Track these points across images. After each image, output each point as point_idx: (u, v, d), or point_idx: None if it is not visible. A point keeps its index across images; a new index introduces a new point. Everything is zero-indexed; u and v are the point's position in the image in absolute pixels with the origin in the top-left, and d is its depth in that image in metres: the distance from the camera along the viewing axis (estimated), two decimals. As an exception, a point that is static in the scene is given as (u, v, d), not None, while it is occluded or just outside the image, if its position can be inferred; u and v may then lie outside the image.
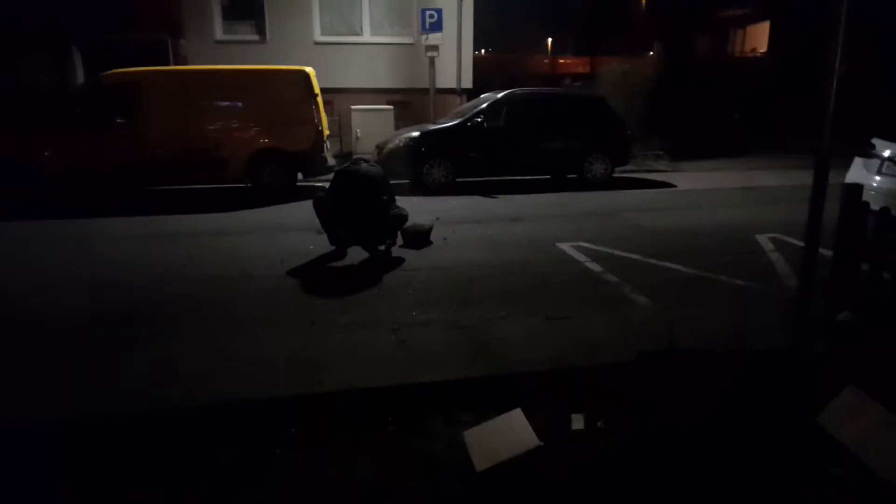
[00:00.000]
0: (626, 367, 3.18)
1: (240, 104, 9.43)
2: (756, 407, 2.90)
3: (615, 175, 11.08)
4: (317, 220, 6.33)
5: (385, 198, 6.21)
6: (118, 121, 9.24)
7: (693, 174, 12.52)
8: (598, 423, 2.78)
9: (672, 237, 7.22)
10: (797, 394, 2.99)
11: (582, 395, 3.01)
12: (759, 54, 22.54)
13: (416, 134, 10.18)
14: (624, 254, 6.36)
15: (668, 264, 6.00)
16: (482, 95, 11.17)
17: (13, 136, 8.98)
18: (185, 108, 9.17)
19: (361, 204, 6.00)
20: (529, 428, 2.66)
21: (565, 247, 6.65)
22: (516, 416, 2.72)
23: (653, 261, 6.13)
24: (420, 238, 6.70)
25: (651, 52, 32.55)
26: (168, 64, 14.22)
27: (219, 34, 14.62)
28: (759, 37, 22.43)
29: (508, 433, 2.63)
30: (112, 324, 4.56)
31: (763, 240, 6.88)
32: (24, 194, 8.71)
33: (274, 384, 3.55)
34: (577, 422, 2.88)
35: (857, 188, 3.45)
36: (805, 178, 3.75)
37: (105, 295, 5.18)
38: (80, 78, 14.13)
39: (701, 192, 10.60)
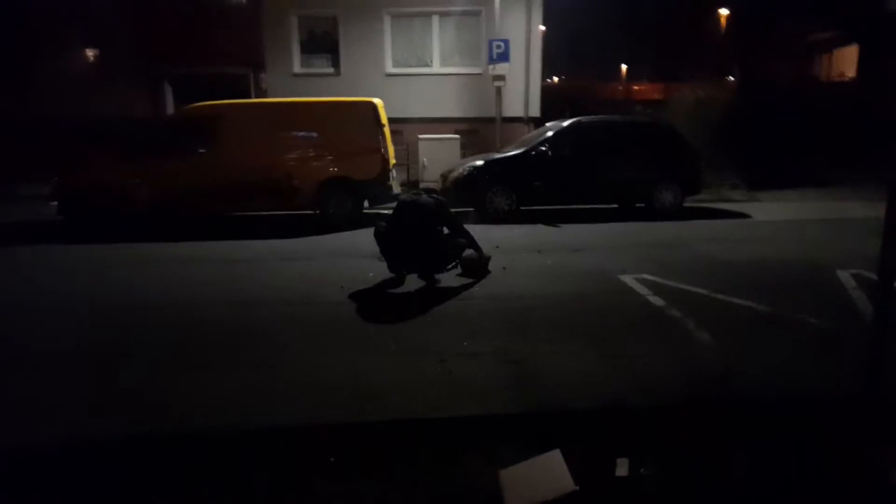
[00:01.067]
0: (677, 410, 3.02)
1: (311, 134, 9.79)
2: (817, 455, 2.68)
3: (686, 205, 10.72)
4: (377, 248, 6.45)
5: (442, 228, 6.25)
6: (200, 150, 9.80)
7: (771, 204, 11.93)
8: (642, 470, 2.65)
9: (744, 271, 6.87)
10: (865, 442, 2.75)
11: (628, 437, 2.89)
12: (847, 79, 21.38)
13: (479, 163, 10.24)
14: (690, 287, 6.10)
15: (737, 300, 5.71)
16: (547, 124, 11.13)
17: (108, 163, 9.67)
18: (261, 139, 9.60)
19: (418, 233, 6.08)
20: (566, 471, 2.56)
21: (627, 279, 6.45)
22: (554, 458, 2.62)
23: (721, 296, 5.84)
24: (478, 267, 6.67)
25: (731, 78, 31.58)
26: (249, 96, 15.06)
27: (297, 68, 15.33)
28: (847, 61, 21.32)
29: (544, 475, 2.54)
30: (167, 344, 4.76)
31: (844, 276, 6.43)
32: (114, 219, 9.33)
33: (317, 410, 3.59)
34: (622, 466, 2.76)
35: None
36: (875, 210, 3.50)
37: (169, 314, 5.44)
38: (170, 109, 15.13)
39: (779, 223, 10.06)
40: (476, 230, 8.62)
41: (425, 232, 6.11)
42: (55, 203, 9.47)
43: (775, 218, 10.47)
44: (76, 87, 15.31)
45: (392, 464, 3.00)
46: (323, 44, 15.43)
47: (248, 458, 3.11)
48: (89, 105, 14.87)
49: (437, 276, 6.31)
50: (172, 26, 15.10)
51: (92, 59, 15.91)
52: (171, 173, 9.45)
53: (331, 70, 15.39)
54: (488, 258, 6.82)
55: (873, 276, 3.24)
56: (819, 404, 3.26)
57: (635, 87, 45.57)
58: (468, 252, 6.59)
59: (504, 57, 12.81)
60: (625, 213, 10.62)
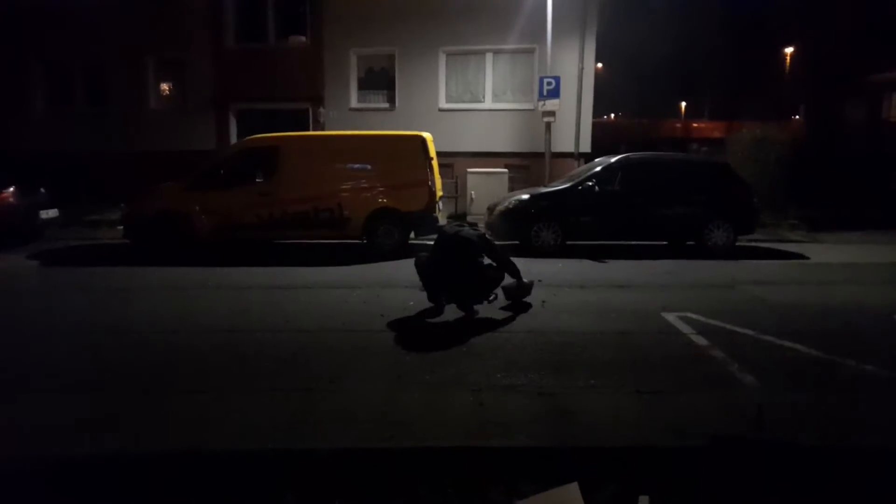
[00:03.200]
0: (704, 451, 2.94)
1: (362, 167, 10.08)
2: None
3: (739, 244, 10.42)
4: (418, 277, 6.56)
5: (483, 259, 6.31)
6: (257, 181, 10.23)
7: (832, 246, 11.46)
8: (663, 510, 2.59)
9: (795, 314, 6.62)
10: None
11: (653, 476, 2.83)
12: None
13: (526, 196, 10.28)
14: (736, 328, 5.92)
15: (786, 343, 5.50)
16: (596, 160, 11.11)
17: (170, 192, 10.20)
18: (315, 170, 9.96)
19: (458, 264, 6.15)
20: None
21: (671, 317, 6.31)
22: (571, 490, 2.59)
23: (769, 338, 5.64)
24: (519, 292, 6.72)
25: (796, 117, 30.73)
26: (308, 129, 15.64)
27: (354, 103, 15.89)
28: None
29: (561, 509, 2.51)
30: (208, 367, 4.94)
31: (905, 322, 6.12)
32: (176, 245, 9.80)
33: (347, 435, 3.66)
34: (644, 505, 2.70)
35: None
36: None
37: (213, 339, 5.63)
38: (234, 141, 15.87)
39: (838, 265, 9.65)
40: (520, 263, 8.64)
41: (465, 263, 6.18)
42: (122, 228, 10.06)
43: (834, 260, 10.05)
44: (149, 119, 16.30)
45: (416, 491, 3.02)
46: (379, 80, 15.97)
47: (277, 479, 3.19)
48: (159, 136, 15.79)
49: (476, 308, 6.34)
50: (238, 63, 15.92)
51: (164, 94, 16.93)
52: (229, 202, 9.88)
53: (386, 105, 15.88)
54: (531, 284, 6.87)
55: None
56: (862, 455, 3.11)
57: (694, 125, 44.96)
58: (509, 281, 6.64)
59: (554, 93, 12.94)
60: (674, 251, 10.41)
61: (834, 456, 2.92)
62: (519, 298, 6.77)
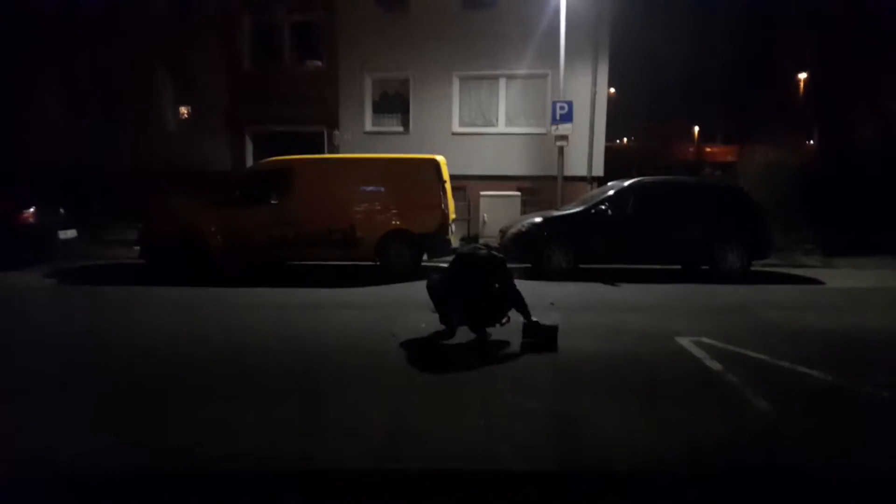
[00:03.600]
0: (713, 478, 2.91)
1: (376, 189, 10.18)
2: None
3: (754, 268, 10.35)
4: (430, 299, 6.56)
5: (496, 284, 6.29)
6: (272, 202, 10.34)
7: (848, 271, 11.34)
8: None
9: (811, 339, 6.54)
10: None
11: (660, 501, 2.80)
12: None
13: (538, 219, 10.31)
14: (751, 353, 5.86)
15: (802, 368, 5.43)
16: (609, 183, 11.12)
17: (186, 212, 10.34)
18: (329, 192, 10.06)
19: (472, 285, 6.15)
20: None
21: (684, 341, 6.26)
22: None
23: (784, 363, 5.57)
24: (543, 339, 6.02)
25: (811, 141, 30.64)
26: (323, 151, 15.84)
27: (368, 126, 16.09)
28: (934, 124, 20.35)
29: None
30: (217, 382, 4.97)
31: (923, 349, 6.04)
32: (192, 264, 9.87)
33: (353, 454, 3.65)
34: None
35: None
36: None
37: (223, 356, 5.67)
38: (250, 163, 16.09)
39: (855, 291, 9.55)
40: (532, 286, 8.65)
41: (480, 285, 6.18)
42: (138, 248, 10.19)
43: (850, 285, 9.94)
44: (165, 138, 16.58)
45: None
46: (394, 103, 16.19)
47: (283, 495, 3.19)
48: (177, 156, 16.03)
49: (489, 330, 6.33)
50: (255, 86, 16.22)
51: (183, 115, 17.25)
52: (244, 222, 9.98)
53: (400, 128, 16.06)
54: (555, 328, 6.11)
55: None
56: (874, 479, 3.06)
57: (707, 149, 44.91)
58: (532, 323, 6.14)
59: (567, 118, 13.03)
60: (687, 275, 10.36)
61: (846, 480, 2.87)
62: (540, 340, 6.03)
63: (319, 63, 16.23)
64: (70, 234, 11.66)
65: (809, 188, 14.98)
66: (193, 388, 4.86)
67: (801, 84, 35.31)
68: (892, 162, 20.26)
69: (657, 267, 10.73)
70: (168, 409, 4.41)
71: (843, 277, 10.65)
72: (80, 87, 16.85)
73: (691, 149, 46.12)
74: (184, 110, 17.28)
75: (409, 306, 7.74)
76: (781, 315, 7.60)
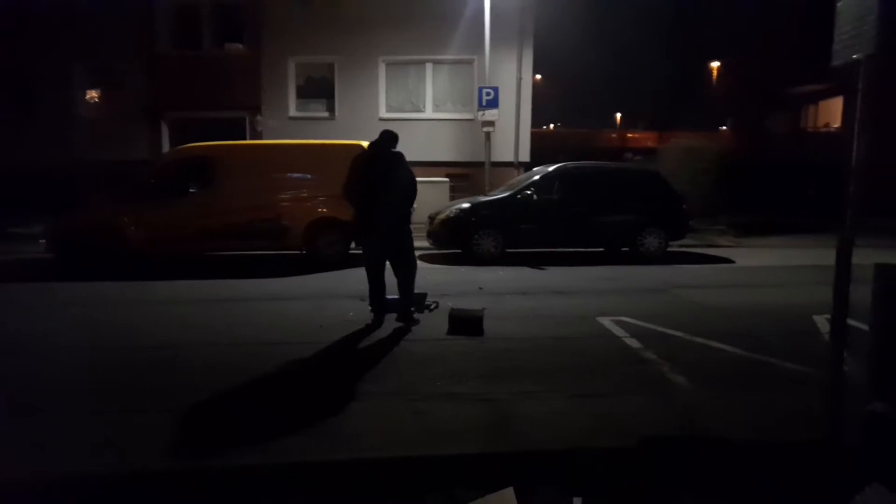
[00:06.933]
0: (633, 452, 3.03)
1: (301, 176, 9.96)
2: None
3: (671, 249, 10.83)
4: (362, 287, 6.47)
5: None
6: (191, 191, 9.93)
7: (757, 250, 12.06)
8: (595, 509, 2.65)
9: (722, 315, 6.93)
10: (821, 491, 2.76)
11: (586, 478, 2.90)
12: (832, 129, 21.90)
13: (466, 205, 10.39)
14: (668, 331, 6.14)
15: (714, 343, 5.74)
16: (534, 169, 11.34)
17: (99, 203, 9.79)
18: (252, 180, 9.72)
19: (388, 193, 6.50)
20: (518, 509, 2.56)
21: (606, 321, 6.49)
22: (507, 496, 2.63)
23: (699, 339, 5.87)
24: (469, 325, 6.05)
25: (724, 128, 32.25)
26: (245, 138, 15.33)
27: (292, 111, 15.70)
28: (832, 112, 21.88)
29: (496, 513, 2.54)
30: (133, 383, 4.77)
31: (822, 321, 6.46)
32: (104, 258, 9.35)
33: (286, 449, 3.59)
34: (579, 506, 2.76)
35: (892, 269, 3.25)
36: (879, 256, 3.60)
37: (150, 355, 5.43)
38: (166, 149, 15.39)
39: (761, 268, 10.17)
40: (461, 271, 8.74)
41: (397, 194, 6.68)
42: (43, 241, 9.56)
43: (758, 263, 10.58)
44: (77, 127, 15.59)
45: (354, 501, 2.99)
46: (319, 89, 15.84)
47: (208, 496, 3.10)
48: (89, 145, 15.12)
49: (417, 318, 6.34)
50: (173, 70, 15.49)
51: (94, 101, 16.26)
52: (162, 214, 9.54)
53: (326, 114, 15.76)
54: (480, 317, 6.13)
55: (851, 322, 3.33)
56: (784, 449, 3.27)
57: (629, 135, 46.41)
58: (459, 307, 6.33)
59: (493, 103, 13.15)
60: (610, 257, 10.72)
61: (759, 450, 3.06)
62: (466, 329, 5.99)
63: (241, 46, 15.66)
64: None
65: (723, 172, 15.74)
66: (114, 388, 4.62)
67: (715, 73, 37.00)
68: (797, 146, 21.66)
69: (582, 250, 11.05)
70: (86, 413, 4.18)
71: (752, 256, 11.31)
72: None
73: (614, 135, 47.56)
74: (96, 96, 16.30)
75: (337, 296, 7.65)
76: (695, 293, 8.00)
